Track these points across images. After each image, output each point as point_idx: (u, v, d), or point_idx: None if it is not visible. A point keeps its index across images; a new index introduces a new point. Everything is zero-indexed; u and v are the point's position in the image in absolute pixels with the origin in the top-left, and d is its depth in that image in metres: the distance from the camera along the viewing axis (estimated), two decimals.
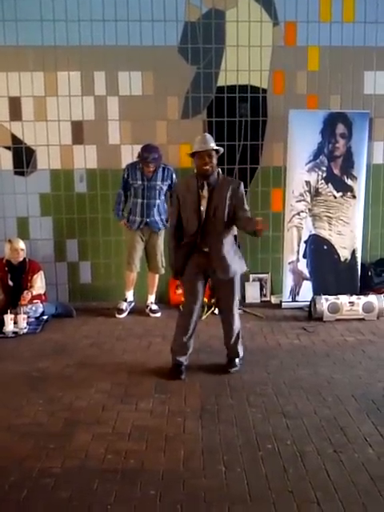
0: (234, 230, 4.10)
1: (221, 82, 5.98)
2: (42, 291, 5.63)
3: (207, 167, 3.92)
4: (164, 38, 5.86)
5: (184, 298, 4.32)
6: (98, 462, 2.96)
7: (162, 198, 5.62)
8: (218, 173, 4.04)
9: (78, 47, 5.79)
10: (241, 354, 4.28)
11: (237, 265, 4.09)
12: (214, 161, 3.95)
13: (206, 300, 5.93)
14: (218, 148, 3.97)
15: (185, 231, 4.08)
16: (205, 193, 3.97)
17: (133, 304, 5.81)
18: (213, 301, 5.81)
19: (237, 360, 4.25)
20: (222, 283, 4.11)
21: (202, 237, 4.00)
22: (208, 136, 4.00)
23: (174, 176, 5.59)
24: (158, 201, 5.55)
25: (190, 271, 4.11)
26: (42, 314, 5.47)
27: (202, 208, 3.97)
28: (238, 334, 4.24)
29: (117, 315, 5.64)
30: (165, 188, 5.57)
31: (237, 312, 4.23)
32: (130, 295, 5.78)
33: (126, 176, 5.54)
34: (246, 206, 4.04)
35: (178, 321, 4.29)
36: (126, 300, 5.75)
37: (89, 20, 5.75)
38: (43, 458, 3.00)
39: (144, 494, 2.67)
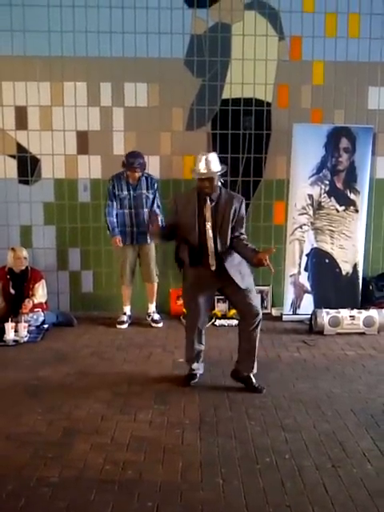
0: None
1: (226, 95, 6.03)
2: (43, 300, 5.65)
3: (207, 190, 3.92)
4: (170, 51, 5.91)
5: (186, 313, 4.33)
6: (95, 472, 2.96)
7: (150, 207, 5.58)
8: (220, 188, 4.01)
9: (84, 58, 5.85)
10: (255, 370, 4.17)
11: (245, 274, 4.07)
12: (215, 183, 3.93)
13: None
14: (219, 170, 3.93)
15: (187, 240, 4.03)
16: (207, 209, 3.94)
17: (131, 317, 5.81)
18: (214, 311, 5.85)
19: (252, 376, 4.15)
20: (240, 295, 4.06)
21: (206, 253, 3.97)
22: (211, 158, 3.90)
23: (156, 185, 5.61)
24: (145, 210, 5.55)
25: (193, 287, 4.10)
26: (43, 322, 5.48)
27: (207, 225, 3.94)
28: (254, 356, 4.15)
29: (117, 326, 5.64)
30: (151, 197, 5.57)
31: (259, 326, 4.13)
32: (127, 309, 5.78)
33: (111, 187, 5.53)
34: (243, 224, 4.05)
35: (185, 333, 4.28)
36: (125, 313, 5.75)
37: (96, 31, 5.81)
38: (41, 467, 3.00)
39: (141, 505, 2.67)
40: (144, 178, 5.57)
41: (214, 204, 3.96)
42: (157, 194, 5.62)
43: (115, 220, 5.57)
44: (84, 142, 5.98)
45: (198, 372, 4.25)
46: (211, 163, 3.89)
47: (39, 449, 3.19)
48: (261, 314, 4.11)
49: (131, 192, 5.53)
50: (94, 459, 3.08)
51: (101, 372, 4.43)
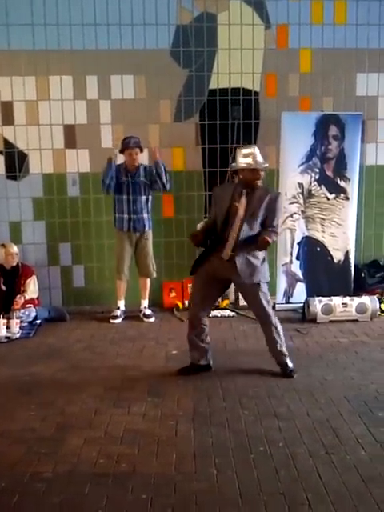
0: None
1: (213, 85, 5.99)
2: (34, 295, 5.63)
3: (259, 182, 4.00)
4: (156, 42, 5.87)
5: (189, 301, 4.34)
6: (89, 466, 2.95)
7: (147, 194, 5.59)
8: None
9: (69, 51, 5.79)
10: (288, 362, 4.19)
11: (260, 273, 4.06)
12: (263, 174, 4.03)
13: None
14: (266, 164, 4.09)
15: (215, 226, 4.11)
16: (241, 203, 3.97)
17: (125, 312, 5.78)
18: None
19: (287, 361, 4.19)
20: (248, 290, 4.10)
21: (225, 243, 3.99)
22: (257, 150, 4.03)
23: (153, 172, 5.55)
24: (143, 197, 5.54)
25: (203, 276, 4.09)
26: (35, 318, 5.45)
27: (238, 217, 3.96)
28: (278, 344, 4.18)
29: (111, 321, 5.62)
30: (148, 183, 5.56)
31: (275, 321, 4.15)
32: (121, 304, 5.75)
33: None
34: (276, 219, 4.05)
35: (187, 332, 4.25)
36: (119, 308, 5.72)
37: (80, 24, 5.75)
38: (35, 462, 2.99)
39: (135, 497, 2.66)
40: (142, 167, 5.57)
41: (248, 198, 3.99)
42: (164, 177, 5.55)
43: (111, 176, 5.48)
44: (71, 136, 5.94)
45: (200, 362, 4.22)
46: (259, 156, 4.01)
47: (32, 445, 3.18)
48: (272, 316, 4.12)
49: (129, 179, 5.51)
50: (88, 453, 3.07)
51: (94, 366, 4.41)
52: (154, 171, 5.52)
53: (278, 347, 4.17)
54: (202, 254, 4.14)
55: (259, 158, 4.01)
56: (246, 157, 4.00)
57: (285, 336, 4.26)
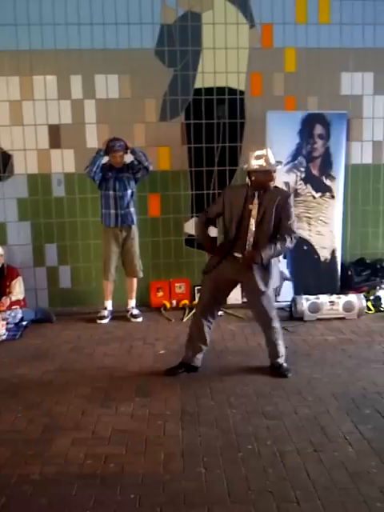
0: None
1: (198, 85, 5.99)
2: (20, 297, 5.58)
3: (272, 183, 3.99)
4: (140, 41, 5.85)
5: (198, 303, 4.32)
6: (77, 467, 2.93)
7: (133, 189, 5.59)
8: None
9: (53, 51, 5.75)
10: (283, 362, 4.20)
11: (271, 279, 4.07)
12: (276, 175, 4.02)
13: (187, 302, 5.98)
14: (280, 162, 4.11)
15: (225, 234, 4.14)
16: (254, 205, 3.97)
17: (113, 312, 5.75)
18: (194, 302, 5.83)
19: (281, 362, 4.19)
20: (255, 297, 4.09)
21: (238, 245, 3.99)
22: (270, 152, 4.02)
23: (135, 163, 5.54)
24: (129, 191, 5.54)
25: (215, 277, 4.09)
26: (22, 319, 5.40)
27: (252, 218, 3.96)
28: (278, 346, 4.19)
29: (98, 321, 5.59)
30: (131, 176, 5.55)
31: (276, 324, 4.15)
32: (109, 304, 5.72)
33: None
34: (291, 220, 4.00)
35: (190, 327, 4.27)
36: (106, 308, 5.70)
37: (64, 24, 5.72)
38: (22, 464, 2.96)
39: (124, 497, 2.65)
40: (126, 166, 5.56)
41: (260, 199, 3.98)
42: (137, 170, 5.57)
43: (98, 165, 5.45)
44: (56, 136, 5.90)
45: (191, 363, 4.21)
46: (270, 157, 3.99)
47: (19, 446, 3.15)
48: (274, 319, 4.12)
49: (115, 174, 5.50)
50: (76, 454, 3.05)
51: (81, 367, 4.38)
52: (135, 162, 5.51)
53: (278, 349, 4.18)
54: (216, 254, 4.15)
55: (271, 160, 3.99)
56: (259, 158, 3.98)
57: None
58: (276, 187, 4.13)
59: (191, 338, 4.21)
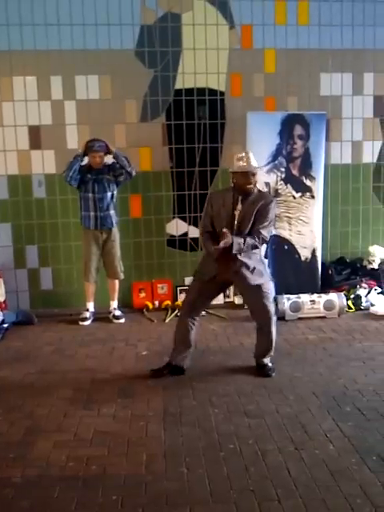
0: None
1: (179, 85, 6.00)
2: (1, 299, 5.56)
3: (251, 186, 3.99)
4: (120, 42, 5.84)
5: (183, 304, 4.31)
6: (59, 469, 2.93)
7: (114, 192, 5.57)
8: (257, 189, 4.09)
9: (33, 51, 5.72)
10: (269, 362, 4.24)
11: (261, 273, 4.09)
12: (256, 178, 4.02)
13: (169, 302, 5.98)
14: (259, 167, 4.09)
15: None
16: (239, 207, 4.00)
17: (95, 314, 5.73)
18: (176, 303, 5.86)
19: (267, 362, 4.22)
20: (251, 292, 4.10)
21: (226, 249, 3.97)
22: (251, 154, 4.03)
23: (116, 166, 5.52)
24: (108, 193, 5.51)
25: (204, 279, 4.08)
26: (2, 322, 5.35)
27: (235, 222, 3.99)
28: (270, 349, 4.21)
29: (80, 323, 5.57)
30: (112, 178, 5.52)
31: (273, 327, 4.15)
32: (91, 306, 5.70)
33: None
34: (265, 223, 4.00)
35: (176, 327, 4.25)
36: (88, 310, 5.68)
37: (43, 24, 5.69)
38: (3, 467, 2.95)
39: (106, 499, 2.65)
40: (107, 167, 5.53)
41: (246, 203, 4.00)
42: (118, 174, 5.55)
43: (75, 169, 5.40)
44: (36, 137, 5.86)
45: (177, 364, 4.20)
46: (252, 160, 4.00)
47: (1, 449, 3.13)
48: (272, 316, 4.13)
49: (94, 176, 5.47)
50: (57, 456, 3.04)
51: (63, 369, 4.36)
52: (117, 165, 5.49)
53: (268, 350, 4.20)
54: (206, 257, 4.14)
55: (252, 162, 4.00)
56: (239, 160, 4.00)
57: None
58: (260, 191, 4.16)
59: (176, 341, 4.21)
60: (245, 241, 3.92)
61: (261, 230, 3.99)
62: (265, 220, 4.00)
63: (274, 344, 4.21)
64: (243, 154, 4.03)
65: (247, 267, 4.01)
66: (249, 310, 4.33)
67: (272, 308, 4.16)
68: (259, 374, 4.12)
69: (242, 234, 3.97)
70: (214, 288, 4.19)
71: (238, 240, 3.90)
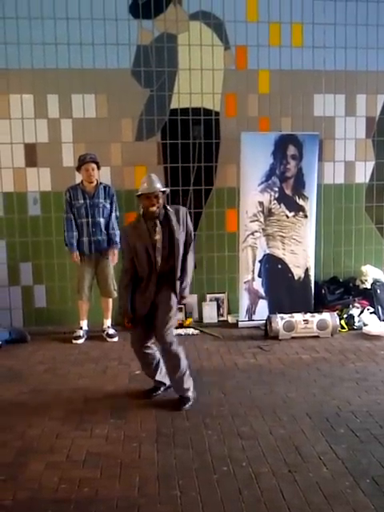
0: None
1: (174, 105, 6.05)
2: None
3: (154, 208, 3.88)
4: (117, 61, 5.90)
5: (131, 339, 4.18)
6: (50, 491, 2.90)
7: (107, 217, 5.57)
8: (164, 207, 3.99)
9: (30, 70, 5.77)
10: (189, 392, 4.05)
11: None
12: (161, 201, 3.93)
13: None
14: (164, 189, 3.98)
15: (139, 275, 3.99)
16: (157, 234, 3.91)
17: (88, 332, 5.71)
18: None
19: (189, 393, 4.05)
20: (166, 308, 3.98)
21: (156, 276, 3.94)
22: (154, 177, 3.96)
23: (114, 195, 5.60)
24: (102, 219, 5.53)
25: (139, 314, 4.01)
26: None
27: (158, 245, 3.90)
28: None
29: (73, 341, 5.55)
30: (108, 206, 5.56)
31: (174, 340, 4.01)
32: (84, 324, 5.69)
33: (68, 198, 5.49)
34: (191, 240, 4.03)
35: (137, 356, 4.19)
36: (81, 328, 5.66)
37: (41, 43, 5.75)
38: None
39: None
40: (102, 187, 5.55)
41: (163, 225, 3.94)
42: (114, 205, 5.60)
43: (75, 234, 5.50)
44: (32, 155, 5.89)
45: (163, 383, 4.18)
46: (154, 182, 3.93)
47: None
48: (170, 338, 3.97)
49: (87, 201, 5.48)
50: (49, 478, 3.02)
51: (55, 389, 4.34)
52: (112, 192, 5.60)
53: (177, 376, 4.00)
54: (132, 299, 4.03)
55: (155, 184, 3.90)
56: (142, 184, 3.94)
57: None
58: (167, 207, 4.02)
59: (146, 370, 4.18)
60: (184, 280, 3.99)
61: (190, 249, 4.02)
62: (189, 236, 4.02)
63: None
64: (146, 177, 3.97)
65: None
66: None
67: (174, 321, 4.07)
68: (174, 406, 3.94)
69: (176, 251, 3.91)
70: (151, 315, 4.01)
71: (184, 285, 3.99)
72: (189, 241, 4.03)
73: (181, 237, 3.95)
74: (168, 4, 5.93)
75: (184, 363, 3.98)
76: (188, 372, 4.02)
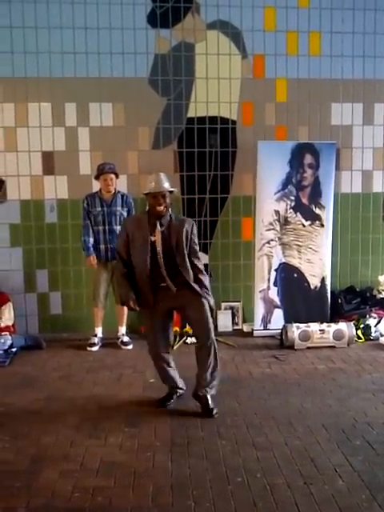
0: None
1: (191, 114, 6.07)
2: (10, 323, 5.56)
3: (161, 208, 3.86)
4: (134, 70, 5.94)
5: (149, 346, 4.16)
6: (64, 500, 2.89)
7: None
8: (170, 214, 3.97)
9: (48, 79, 5.83)
10: (210, 398, 4.00)
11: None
12: (168, 201, 3.90)
13: (178, 329, 5.94)
14: (172, 189, 3.95)
15: (135, 270, 3.95)
16: (157, 233, 3.88)
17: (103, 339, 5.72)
18: (185, 329, 5.82)
19: (210, 400, 4.00)
20: (194, 303, 3.95)
21: (158, 276, 3.90)
22: (162, 176, 3.92)
23: (132, 203, 5.63)
24: (119, 227, 5.49)
25: (152, 314, 4.00)
26: (11, 346, 5.35)
27: (158, 249, 3.87)
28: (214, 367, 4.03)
29: (88, 348, 5.56)
30: (125, 214, 5.57)
31: (212, 342, 4.00)
32: (99, 331, 5.70)
33: (86, 205, 5.53)
34: (197, 255, 4.03)
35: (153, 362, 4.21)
36: (96, 335, 5.67)
37: (60, 52, 5.80)
38: (8, 497, 2.92)
39: None
40: (119, 195, 5.58)
41: (164, 228, 3.91)
42: (132, 214, 5.61)
43: (91, 240, 5.53)
44: (50, 163, 5.94)
45: (178, 390, 4.19)
46: (163, 181, 3.89)
47: (5, 478, 3.11)
48: (211, 331, 3.97)
49: (105, 208, 5.52)
50: (63, 487, 3.01)
51: (70, 396, 4.34)
52: (129, 200, 5.62)
53: (209, 372, 4.00)
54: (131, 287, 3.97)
55: (164, 184, 3.87)
56: (150, 182, 3.89)
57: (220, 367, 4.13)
58: (177, 217, 4.05)
59: (162, 373, 4.20)
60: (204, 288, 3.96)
61: (197, 264, 3.98)
62: (196, 247, 4.01)
63: (216, 374, 4.03)
64: (154, 176, 3.91)
65: (190, 288, 3.93)
66: (193, 332, 4.18)
67: (212, 325, 4.00)
68: (203, 413, 3.92)
69: (178, 255, 3.88)
70: (167, 318, 4.05)
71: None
72: (192, 253, 3.98)
73: (178, 247, 3.89)
74: (186, 13, 5.96)
75: (218, 362, 4.02)
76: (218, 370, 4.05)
